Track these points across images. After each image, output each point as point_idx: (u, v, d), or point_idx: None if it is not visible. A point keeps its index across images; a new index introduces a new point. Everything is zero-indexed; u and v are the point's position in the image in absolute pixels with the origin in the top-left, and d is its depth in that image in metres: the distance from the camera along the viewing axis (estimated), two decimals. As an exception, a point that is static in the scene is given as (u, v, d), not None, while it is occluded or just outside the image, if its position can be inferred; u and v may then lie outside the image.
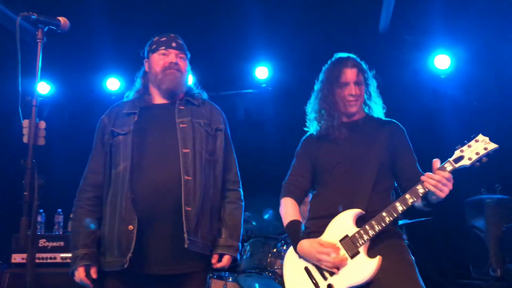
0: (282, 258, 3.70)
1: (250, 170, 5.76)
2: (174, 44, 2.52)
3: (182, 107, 2.49)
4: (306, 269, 2.34)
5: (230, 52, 5.68)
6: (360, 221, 2.30)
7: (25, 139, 1.92)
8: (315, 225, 2.41)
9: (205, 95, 2.64)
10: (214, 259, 2.37)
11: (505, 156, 5.09)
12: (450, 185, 2.15)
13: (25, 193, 1.84)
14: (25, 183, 1.85)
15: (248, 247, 3.90)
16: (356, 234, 2.25)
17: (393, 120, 2.57)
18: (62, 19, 2.04)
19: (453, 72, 5.40)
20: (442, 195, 2.15)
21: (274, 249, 3.78)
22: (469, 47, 5.28)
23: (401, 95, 5.19)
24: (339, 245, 2.28)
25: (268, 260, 3.72)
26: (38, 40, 2.00)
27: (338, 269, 2.24)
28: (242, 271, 3.79)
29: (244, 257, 3.85)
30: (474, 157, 2.17)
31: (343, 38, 5.11)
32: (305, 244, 2.33)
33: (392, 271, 2.19)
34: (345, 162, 2.42)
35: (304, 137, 2.67)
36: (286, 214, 2.47)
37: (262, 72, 5.76)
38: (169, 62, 2.48)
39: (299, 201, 2.54)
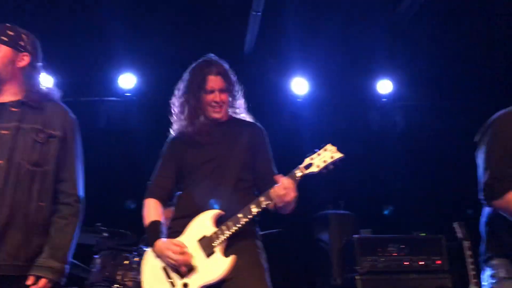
0: (134, 270, 3.62)
1: (111, 179, 5.59)
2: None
3: (13, 109, 2.27)
4: (164, 268, 2.35)
5: (95, 58, 5.47)
6: (220, 222, 2.35)
7: None
8: (178, 224, 2.44)
9: (55, 96, 2.42)
10: (29, 281, 2.15)
11: (349, 174, 5.66)
12: (292, 194, 2.25)
13: None
14: None
15: (99, 259, 3.74)
16: (213, 234, 2.32)
17: (256, 122, 2.69)
18: None
19: (309, 96, 5.82)
20: (288, 198, 2.25)
21: (126, 261, 3.69)
22: (326, 73, 5.76)
23: (263, 115, 5.44)
24: (196, 244, 2.33)
25: (119, 272, 3.61)
26: None
27: (192, 268, 2.28)
28: (90, 285, 3.62)
29: (94, 270, 3.69)
30: (322, 165, 2.31)
31: (210, 53, 5.24)
32: (159, 243, 2.36)
33: (244, 273, 2.28)
34: (209, 162, 2.48)
35: (169, 138, 2.67)
36: (148, 215, 2.48)
37: (127, 81, 5.64)
38: None
39: (163, 202, 2.54)
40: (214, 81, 2.53)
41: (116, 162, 5.56)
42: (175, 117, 2.64)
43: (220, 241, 2.30)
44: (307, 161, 2.34)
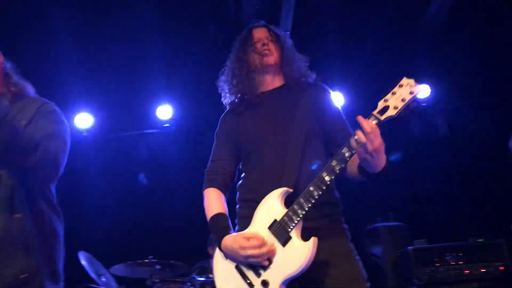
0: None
1: (153, 211, 5.62)
2: None
3: None
4: (238, 268, 2.05)
5: (132, 92, 5.60)
6: (289, 201, 2.02)
7: None
8: (245, 210, 2.18)
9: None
10: None
11: (396, 186, 5.51)
12: (377, 140, 1.81)
13: None
14: None
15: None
16: (285, 217, 1.98)
17: (318, 82, 2.38)
18: None
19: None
20: (371, 148, 1.81)
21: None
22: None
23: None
24: (268, 233, 2.00)
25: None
26: None
27: (270, 261, 1.96)
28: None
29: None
30: (400, 105, 1.84)
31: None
32: (228, 240, 2.04)
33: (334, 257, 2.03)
34: (268, 136, 2.20)
35: (222, 115, 2.43)
36: (209, 208, 2.19)
37: (164, 112, 5.73)
38: None
39: (225, 189, 2.28)
40: (259, 32, 2.41)
41: (162, 192, 5.60)
42: (226, 90, 2.40)
43: (294, 223, 1.94)
44: (380, 104, 1.88)
